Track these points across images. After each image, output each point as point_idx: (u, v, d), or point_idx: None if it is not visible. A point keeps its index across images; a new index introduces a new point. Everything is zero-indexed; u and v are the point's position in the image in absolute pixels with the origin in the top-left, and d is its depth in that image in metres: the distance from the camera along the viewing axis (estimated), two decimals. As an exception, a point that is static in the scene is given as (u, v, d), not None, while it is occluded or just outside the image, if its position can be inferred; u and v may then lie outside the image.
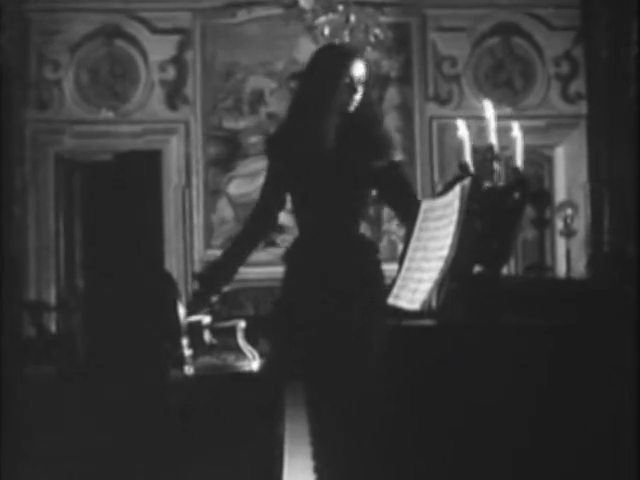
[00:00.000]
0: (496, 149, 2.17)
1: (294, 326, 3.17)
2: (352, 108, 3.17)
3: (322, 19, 7.77)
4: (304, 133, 3.18)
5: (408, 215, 3.19)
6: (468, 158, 2.27)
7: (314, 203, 3.23)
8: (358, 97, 3.16)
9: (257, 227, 3.38)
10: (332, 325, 3.05)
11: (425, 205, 2.32)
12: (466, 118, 8.53)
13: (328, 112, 3.14)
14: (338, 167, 3.18)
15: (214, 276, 3.37)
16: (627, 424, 1.50)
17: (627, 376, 1.52)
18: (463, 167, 2.22)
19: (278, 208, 3.33)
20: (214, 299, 3.39)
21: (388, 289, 2.32)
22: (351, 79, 3.14)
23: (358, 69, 3.16)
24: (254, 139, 8.63)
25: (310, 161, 3.18)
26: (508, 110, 8.26)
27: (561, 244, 8.50)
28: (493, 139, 2.20)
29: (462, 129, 2.37)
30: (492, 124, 2.23)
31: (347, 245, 3.21)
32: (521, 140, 2.24)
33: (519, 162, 2.17)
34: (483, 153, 2.19)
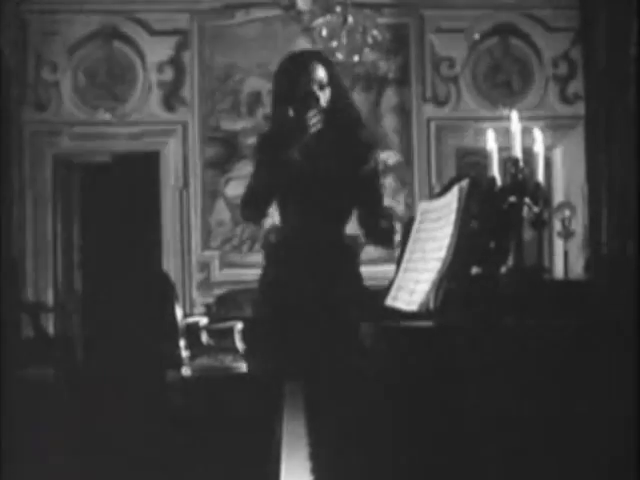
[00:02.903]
0: (521, 163, 2.15)
1: (270, 324, 3.23)
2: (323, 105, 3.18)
3: (320, 20, 7.76)
4: (282, 139, 3.21)
5: (371, 233, 3.25)
6: (496, 172, 2.22)
7: (296, 205, 3.26)
8: (324, 99, 3.18)
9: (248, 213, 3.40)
10: (305, 325, 3.11)
11: (423, 206, 2.32)
12: (463, 119, 8.59)
13: (293, 122, 3.17)
14: (320, 172, 3.20)
15: None
16: (627, 424, 1.50)
17: (627, 377, 1.52)
18: (491, 182, 2.17)
19: (267, 201, 3.33)
20: None
21: (385, 290, 2.32)
22: (310, 83, 3.17)
23: (317, 72, 3.19)
24: (252, 140, 8.63)
25: (292, 166, 3.20)
26: (506, 111, 8.26)
27: (559, 245, 8.50)
28: (518, 152, 2.17)
29: (491, 140, 2.32)
30: (518, 136, 2.19)
31: (326, 248, 3.24)
32: (542, 153, 2.21)
33: (540, 177, 2.15)
34: (501, 160, 2.17)
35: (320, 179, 3.19)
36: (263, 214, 3.37)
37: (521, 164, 2.17)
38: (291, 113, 3.16)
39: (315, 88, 3.17)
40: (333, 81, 3.22)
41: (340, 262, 3.25)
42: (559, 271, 8.42)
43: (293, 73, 3.22)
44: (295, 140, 3.18)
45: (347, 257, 3.30)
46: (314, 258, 3.20)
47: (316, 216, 3.23)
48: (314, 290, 3.16)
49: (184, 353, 7.02)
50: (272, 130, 3.31)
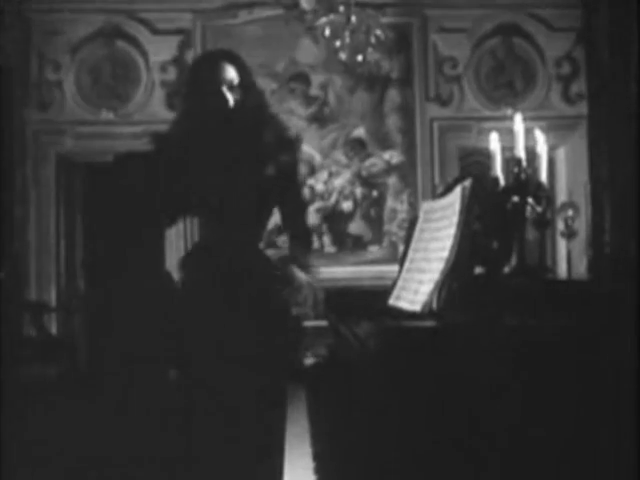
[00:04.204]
0: (524, 163, 2.15)
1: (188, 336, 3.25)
2: (231, 106, 3.17)
3: (323, 20, 7.75)
4: (183, 139, 3.25)
5: (294, 234, 3.24)
6: (499, 172, 2.22)
7: (208, 211, 3.23)
8: (232, 99, 3.17)
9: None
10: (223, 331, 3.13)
11: (426, 206, 2.32)
12: (466, 119, 8.59)
13: (203, 118, 3.20)
14: (230, 175, 3.17)
15: None
16: (628, 424, 1.50)
17: (628, 376, 1.52)
18: (494, 182, 2.18)
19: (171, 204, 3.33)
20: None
21: (388, 290, 2.32)
22: (221, 83, 3.17)
23: (227, 72, 3.19)
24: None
25: (202, 170, 3.19)
26: (509, 111, 8.25)
27: (562, 245, 8.49)
28: (521, 152, 2.18)
29: (494, 142, 2.33)
30: (521, 137, 2.20)
31: (242, 256, 3.19)
32: (545, 153, 2.22)
33: (543, 176, 2.16)
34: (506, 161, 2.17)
35: (226, 182, 3.16)
36: (171, 217, 3.37)
37: (524, 164, 2.17)
38: (199, 112, 3.16)
39: (224, 88, 3.16)
40: (244, 81, 3.21)
41: (253, 265, 3.21)
42: (562, 271, 8.41)
43: (203, 73, 3.20)
44: (197, 139, 3.17)
45: (259, 260, 3.26)
46: (226, 267, 3.16)
47: (227, 222, 3.19)
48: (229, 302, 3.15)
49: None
50: (173, 130, 3.30)
